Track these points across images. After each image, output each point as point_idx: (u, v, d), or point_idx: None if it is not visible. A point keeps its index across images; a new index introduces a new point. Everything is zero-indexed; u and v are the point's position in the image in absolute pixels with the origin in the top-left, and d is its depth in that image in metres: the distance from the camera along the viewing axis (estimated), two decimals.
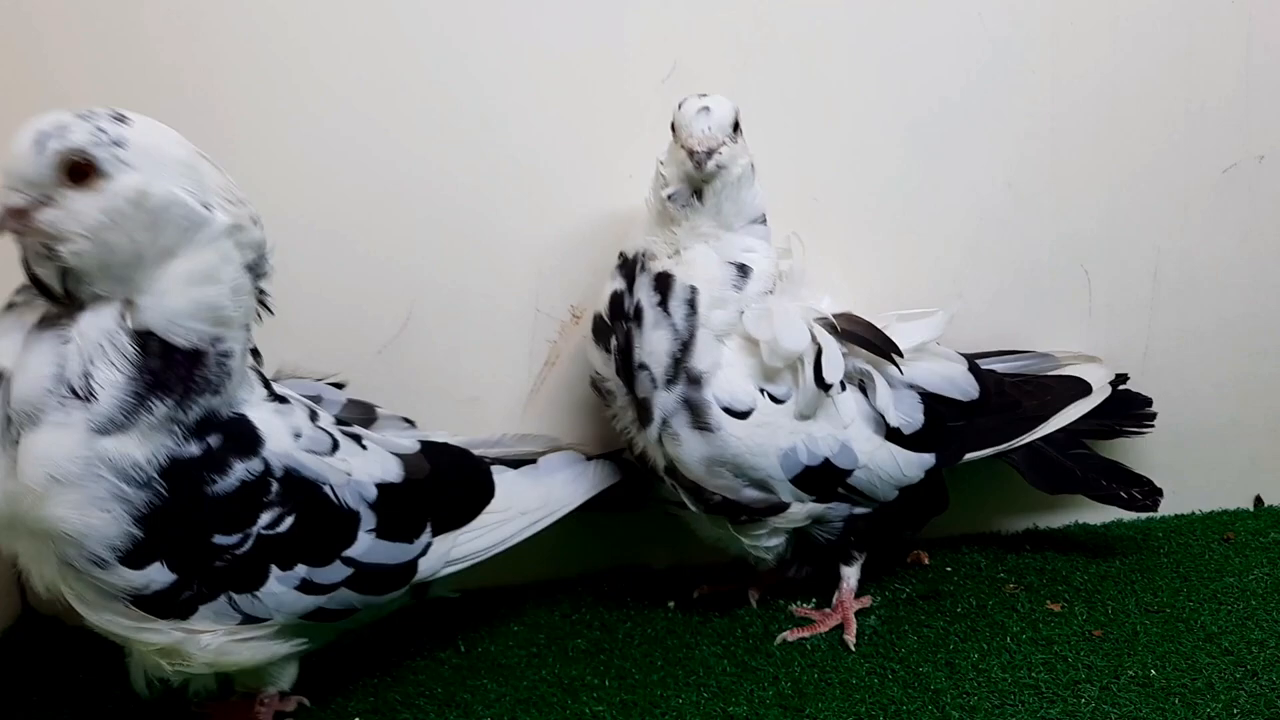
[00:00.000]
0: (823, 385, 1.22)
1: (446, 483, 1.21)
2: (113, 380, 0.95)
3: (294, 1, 1.30)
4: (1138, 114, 1.44)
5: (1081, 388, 1.41)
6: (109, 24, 1.28)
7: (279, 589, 1.06)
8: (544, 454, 1.35)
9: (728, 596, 1.41)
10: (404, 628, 1.35)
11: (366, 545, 1.11)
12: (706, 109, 1.18)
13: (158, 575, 0.99)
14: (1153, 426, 1.45)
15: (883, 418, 1.27)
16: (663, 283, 1.21)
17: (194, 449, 0.99)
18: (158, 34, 1.29)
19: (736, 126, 1.20)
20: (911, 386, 1.30)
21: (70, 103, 0.96)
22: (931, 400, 1.30)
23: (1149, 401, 1.46)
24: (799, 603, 1.39)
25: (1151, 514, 1.47)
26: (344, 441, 1.12)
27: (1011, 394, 1.38)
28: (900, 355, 1.27)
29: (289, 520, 1.05)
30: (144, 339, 0.96)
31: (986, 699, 1.17)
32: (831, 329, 1.25)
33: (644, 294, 1.22)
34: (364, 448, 1.14)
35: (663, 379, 1.21)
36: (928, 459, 1.31)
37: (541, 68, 1.35)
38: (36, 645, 1.36)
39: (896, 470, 1.29)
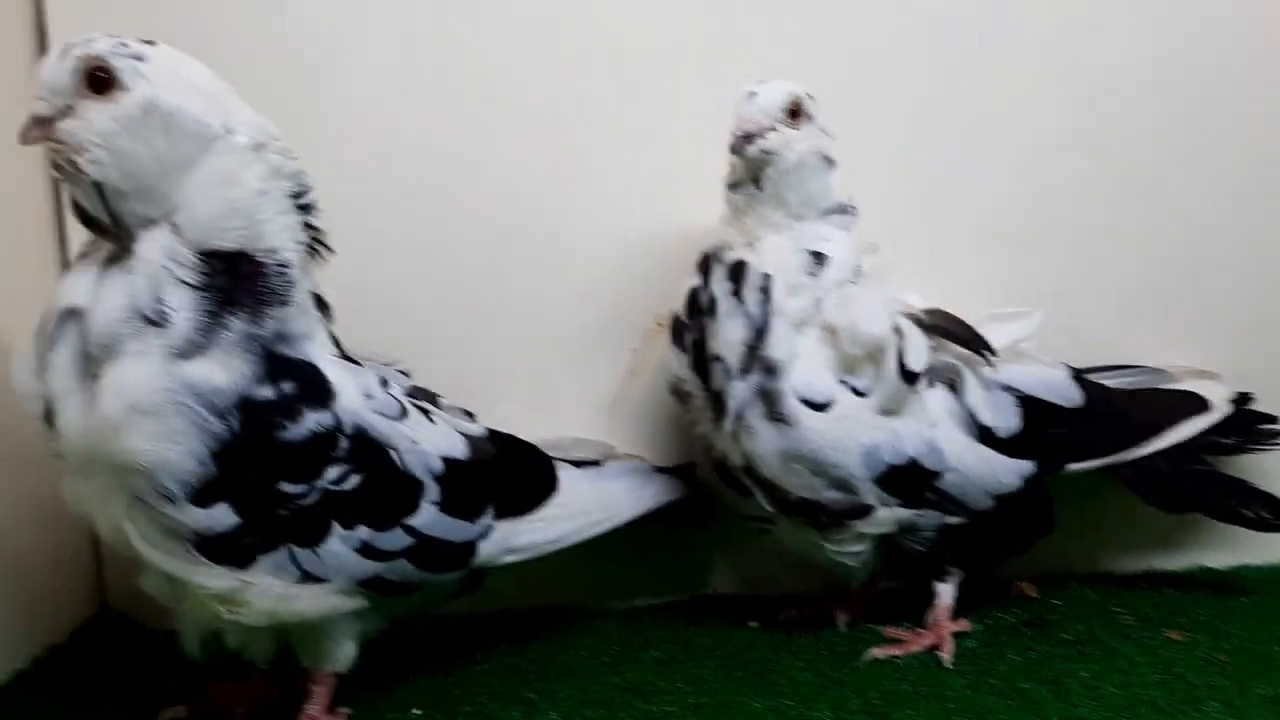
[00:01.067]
0: (906, 377, 1.16)
1: (511, 469, 1.19)
2: (183, 301, 0.95)
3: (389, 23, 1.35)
4: None
5: (1198, 403, 1.31)
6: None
7: (340, 549, 1.04)
8: (605, 460, 1.32)
9: (814, 619, 1.32)
10: (469, 636, 1.31)
11: (429, 517, 1.08)
12: (754, 94, 1.17)
13: (222, 517, 0.97)
14: (1278, 444, 1.34)
15: (974, 417, 1.20)
16: (736, 271, 1.18)
17: (269, 392, 0.99)
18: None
19: (796, 113, 1.17)
20: (1007, 389, 1.23)
21: None
22: (1029, 404, 1.23)
23: (1275, 419, 1.35)
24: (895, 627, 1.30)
25: None
26: (413, 411, 1.11)
27: (1120, 405, 1.30)
28: (992, 352, 1.21)
29: (355, 479, 1.03)
30: (204, 256, 0.97)
31: (1096, 713, 1.07)
32: (918, 322, 1.20)
33: (718, 285, 1.19)
34: (432, 421, 1.13)
35: (737, 369, 1.16)
36: (1026, 466, 1.22)
37: (626, 78, 1.37)
38: (111, 642, 1.34)
39: (991, 475, 1.21)
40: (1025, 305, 1.32)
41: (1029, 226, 1.41)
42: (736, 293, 1.18)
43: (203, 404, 0.95)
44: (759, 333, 1.16)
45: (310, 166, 1.05)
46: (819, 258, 1.19)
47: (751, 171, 1.18)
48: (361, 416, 1.05)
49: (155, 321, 0.95)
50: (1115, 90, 1.39)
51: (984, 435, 1.21)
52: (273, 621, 1.04)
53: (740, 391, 1.16)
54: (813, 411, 1.16)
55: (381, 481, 1.05)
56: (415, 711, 1.15)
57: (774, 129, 1.16)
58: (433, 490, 1.09)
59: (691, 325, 1.22)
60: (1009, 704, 1.09)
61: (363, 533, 1.04)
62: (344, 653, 1.11)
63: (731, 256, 1.19)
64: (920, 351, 1.17)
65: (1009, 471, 1.22)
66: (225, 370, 0.96)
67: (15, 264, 1.25)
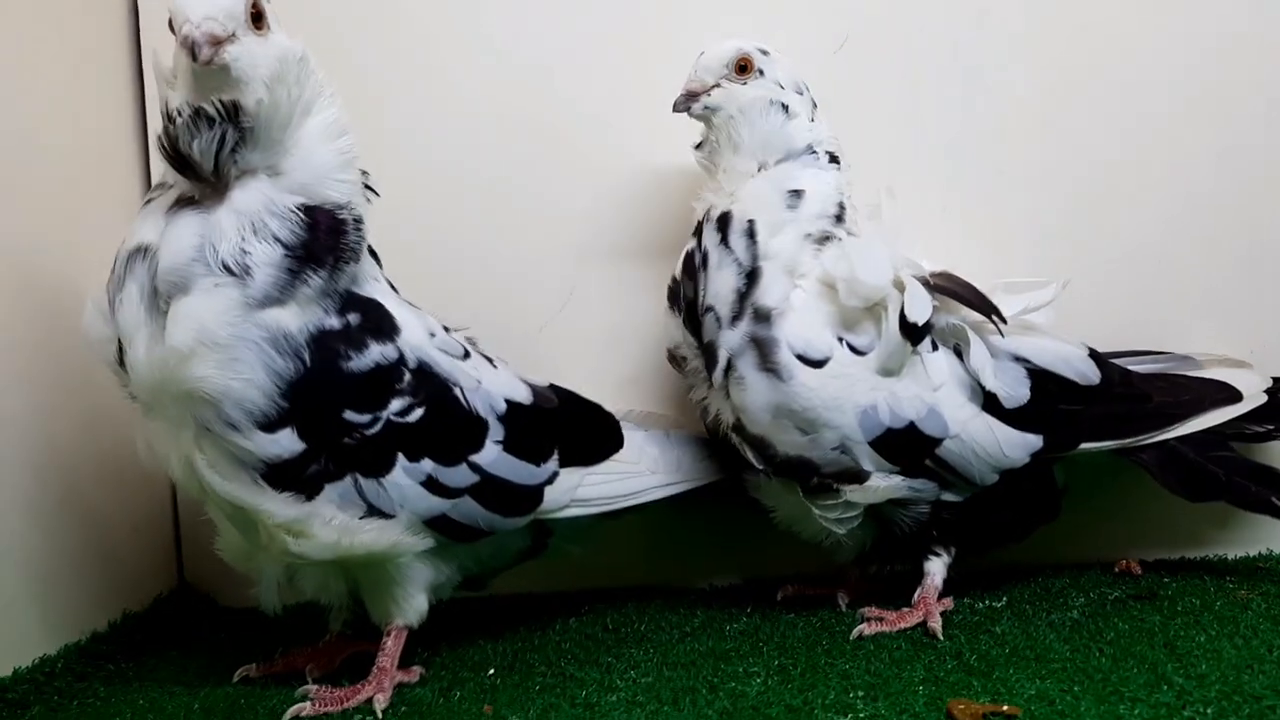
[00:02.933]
0: (907, 332, 1.11)
1: (574, 419, 1.18)
2: (269, 257, 0.96)
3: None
4: None
5: (1227, 393, 1.23)
6: None
7: (405, 481, 1.03)
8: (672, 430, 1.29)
9: (815, 599, 1.27)
10: (547, 609, 1.29)
11: (493, 455, 1.08)
12: (701, 54, 1.19)
13: (288, 443, 0.97)
14: None
15: (979, 384, 1.14)
16: (723, 221, 1.17)
17: (335, 322, 0.99)
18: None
19: (745, 68, 1.17)
20: (1017, 359, 1.17)
21: None
22: (1040, 377, 1.17)
23: None
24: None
25: None
26: (475, 354, 1.11)
27: (1140, 387, 1.22)
28: (1002, 318, 1.15)
29: (419, 411, 1.03)
30: (300, 209, 0.98)
31: (1215, 668, 0.99)
32: (924, 282, 1.14)
33: (709, 239, 1.18)
34: (494, 367, 1.13)
35: (728, 317, 1.14)
36: (1033, 440, 1.16)
37: None
38: (187, 614, 1.34)
39: (995, 447, 1.15)
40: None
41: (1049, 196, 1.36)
42: (724, 241, 1.16)
43: (272, 344, 0.95)
44: (749, 278, 1.14)
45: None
46: (796, 193, 1.17)
47: (706, 128, 1.21)
48: (425, 352, 1.05)
49: (236, 273, 0.95)
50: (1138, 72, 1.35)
51: (990, 404, 1.15)
52: (338, 555, 1.02)
53: (731, 340, 1.14)
54: (807, 367, 1.12)
55: (445, 416, 1.05)
56: (490, 672, 1.11)
57: (718, 85, 1.18)
58: (496, 429, 1.08)
59: (686, 284, 1.20)
60: (1121, 665, 1.02)
61: (427, 466, 1.04)
62: (415, 604, 1.09)
63: (716, 211, 1.18)
64: (923, 305, 1.12)
65: (1014, 444, 1.16)
66: (298, 318, 0.97)
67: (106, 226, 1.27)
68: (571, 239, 1.37)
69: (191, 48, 0.91)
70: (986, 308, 1.14)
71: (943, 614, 1.17)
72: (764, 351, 1.12)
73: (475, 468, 1.06)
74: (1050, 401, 1.16)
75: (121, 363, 0.99)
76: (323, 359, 0.98)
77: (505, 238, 1.37)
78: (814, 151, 1.19)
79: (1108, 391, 1.19)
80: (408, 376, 1.03)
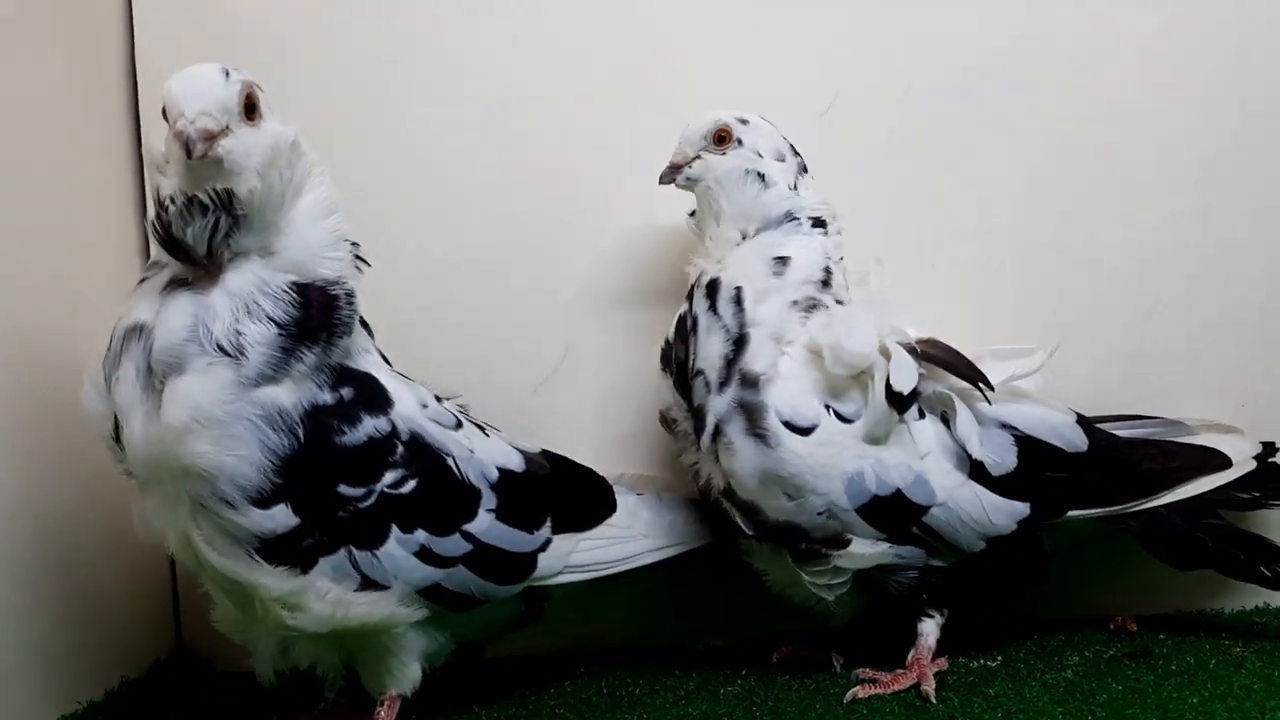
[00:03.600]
0: (894, 401, 1.12)
1: (567, 485, 1.19)
2: (263, 337, 0.97)
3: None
4: None
5: (1217, 459, 1.24)
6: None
7: (398, 552, 1.04)
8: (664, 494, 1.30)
9: (810, 660, 1.26)
10: (540, 673, 1.28)
11: (486, 524, 1.09)
12: (686, 125, 1.22)
13: (282, 518, 0.98)
14: None
15: (965, 451, 1.15)
16: (711, 288, 1.19)
17: (328, 397, 1.01)
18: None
19: (724, 139, 1.20)
20: (1004, 426, 1.18)
21: None
22: (1027, 444, 1.17)
23: None
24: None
25: None
26: (467, 423, 1.13)
27: (1128, 454, 1.23)
28: (989, 385, 1.15)
29: (412, 483, 1.04)
30: (292, 295, 0.99)
31: None
32: (910, 350, 1.15)
33: (699, 304, 1.19)
34: (486, 435, 1.15)
35: (716, 382, 1.15)
36: (1020, 508, 1.17)
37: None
38: (184, 680, 1.34)
39: (982, 514, 1.16)
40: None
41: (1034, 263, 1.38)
42: (713, 307, 1.18)
43: (267, 422, 0.97)
44: (737, 344, 1.16)
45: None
46: (782, 260, 1.19)
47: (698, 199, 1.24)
48: (417, 423, 1.06)
49: (230, 353, 0.96)
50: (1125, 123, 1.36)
51: (976, 472, 1.16)
52: (333, 627, 1.02)
53: (719, 405, 1.15)
54: (795, 435, 1.13)
55: (438, 486, 1.06)
56: None
57: (699, 156, 1.21)
58: (489, 498, 1.09)
59: (678, 346, 1.22)
60: None
61: (421, 536, 1.05)
62: (408, 674, 1.09)
63: (706, 278, 1.20)
64: (908, 373, 1.13)
65: (1001, 512, 1.16)
66: (292, 394, 0.98)
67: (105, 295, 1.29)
68: (568, 299, 1.38)
69: (186, 143, 0.93)
70: (973, 375, 1.15)
71: (937, 674, 1.17)
72: (752, 417, 1.13)
73: (469, 537, 1.08)
74: (1037, 469, 1.17)
75: (118, 438, 1.00)
76: (317, 434, 0.99)
77: (501, 298, 1.38)
78: (794, 218, 1.20)
79: (1095, 459, 1.19)
80: (400, 449, 1.04)
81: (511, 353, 1.38)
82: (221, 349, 0.96)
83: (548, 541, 1.14)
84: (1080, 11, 1.36)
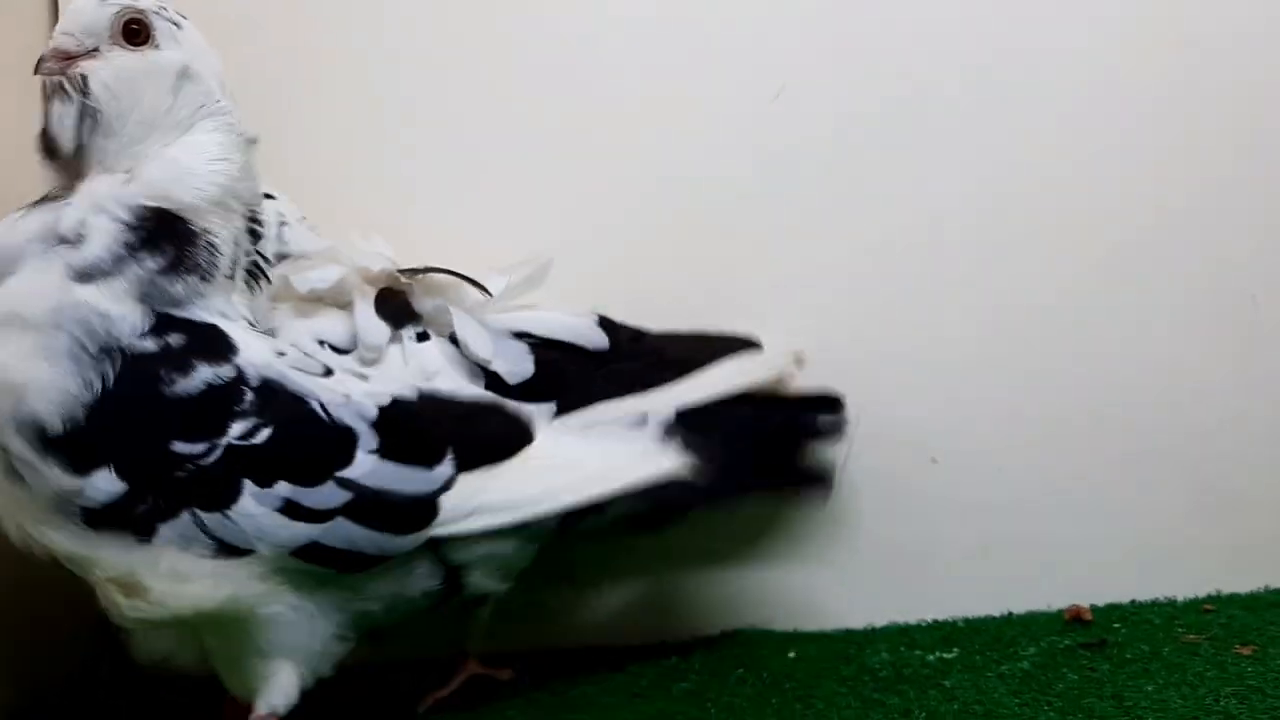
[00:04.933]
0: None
1: (470, 411, 1.08)
2: (106, 228, 0.93)
3: None
4: None
5: (752, 345, 1.25)
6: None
7: (256, 509, 0.93)
8: None
9: None
10: (486, 680, 1.24)
11: (369, 466, 0.97)
12: None
13: (105, 484, 0.90)
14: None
15: (477, 363, 1.12)
16: None
17: (150, 344, 0.92)
18: None
19: None
20: (519, 335, 1.15)
21: None
22: (544, 347, 1.16)
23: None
24: None
25: None
26: (341, 371, 1.03)
27: (656, 344, 1.22)
28: (483, 288, 1.15)
29: (266, 432, 0.94)
30: (146, 208, 0.95)
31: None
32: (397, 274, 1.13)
33: None
34: (366, 379, 1.05)
35: None
36: (547, 407, 1.13)
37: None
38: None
39: None
40: None
41: None
42: None
43: (84, 329, 0.89)
44: None
45: None
46: None
47: None
48: (271, 368, 0.97)
49: (68, 240, 0.92)
50: None
51: (493, 382, 1.12)
52: (174, 613, 0.93)
53: None
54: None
55: (300, 433, 0.96)
56: None
57: None
58: (369, 438, 0.98)
59: None
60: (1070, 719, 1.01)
61: (283, 489, 0.94)
62: (277, 686, 0.97)
63: None
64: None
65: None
66: (118, 304, 0.91)
67: None
68: None
69: (42, 62, 0.95)
70: (462, 279, 1.14)
71: (891, 665, 1.17)
72: None
73: (346, 483, 0.97)
74: (557, 371, 1.15)
75: None
76: (137, 384, 0.91)
77: None
78: None
79: (617, 352, 1.19)
80: (250, 395, 0.94)
81: None
82: (63, 239, 0.92)
83: (450, 479, 1.01)
84: None
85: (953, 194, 1.33)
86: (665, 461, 1.10)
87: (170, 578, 0.92)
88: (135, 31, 0.97)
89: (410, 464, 1.00)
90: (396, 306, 1.13)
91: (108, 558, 0.91)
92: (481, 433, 1.06)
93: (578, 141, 1.34)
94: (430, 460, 1.01)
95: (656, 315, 1.25)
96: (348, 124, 1.36)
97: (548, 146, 1.35)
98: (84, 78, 0.95)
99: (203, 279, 0.96)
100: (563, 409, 1.14)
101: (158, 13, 0.98)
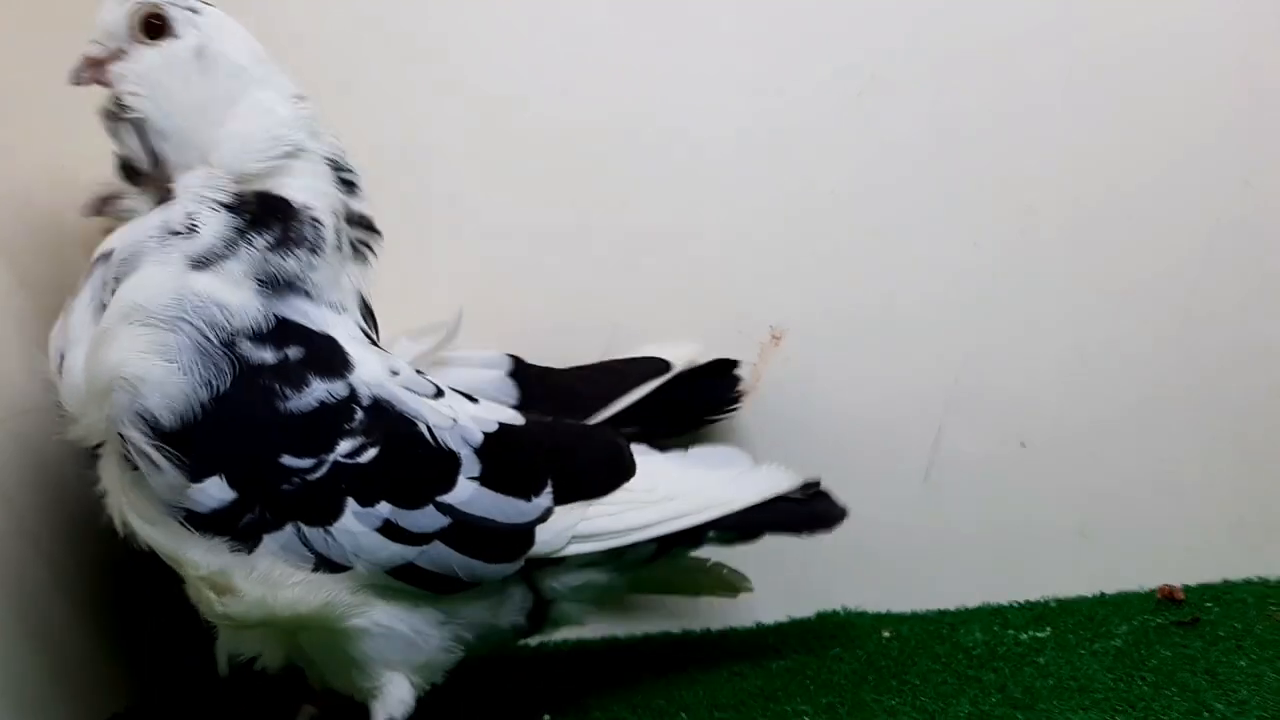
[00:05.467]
0: None
1: (572, 442, 1.10)
2: (213, 216, 0.94)
3: None
4: None
5: (657, 365, 1.23)
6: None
7: (357, 528, 0.94)
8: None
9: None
10: (590, 660, 1.30)
11: (469, 493, 0.98)
12: None
13: (216, 491, 0.90)
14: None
15: None
16: None
17: (268, 355, 0.92)
18: None
19: None
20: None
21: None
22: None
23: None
24: None
25: None
26: (451, 394, 1.03)
27: (563, 381, 1.20)
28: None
29: (372, 452, 0.94)
30: (240, 191, 0.97)
31: (1256, 694, 1.01)
32: None
33: None
34: (475, 401, 1.05)
35: None
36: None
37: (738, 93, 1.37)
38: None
39: None
40: None
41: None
42: None
43: (205, 320, 0.90)
44: None
45: None
46: None
47: None
48: (383, 388, 0.97)
49: (180, 231, 0.93)
50: None
51: None
52: (266, 615, 0.94)
53: None
54: None
55: (406, 455, 0.97)
56: (545, 717, 1.15)
57: None
58: (471, 464, 0.99)
59: None
60: (1164, 694, 1.04)
61: (384, 510, 0.95)
62: (396, 694, 0.98)
63: None
64: None
65: None
66: (235, 291, 0.92)
67: None
68: None
69: (75, 71, 0.98)
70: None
71: (985, 644, 1.20)
72: None
73: (445, 509, 0.97)
74: None
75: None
76: (254, 395, 0.91)
77: None
78: None
79: (528, 396, 1.16)
80: (360, 414, 0.95)
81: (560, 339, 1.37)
82: (175, 231, 0.94)
83: (548, 511, 1.02)
84: None
85: (1047, 183, 1.35)
86: (763, 483, 1.15)
87: (263, 583, 0.93)
88: (155, 26, 0.98)
89: (510, 494, 1.00)
90: None
91: (204, 558, 0.92)
92: (581, 466, 1.08)
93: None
94: (529, 492, 1.02)
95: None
96: None
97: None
98: (120, 102, 0.97)
99: (313, 251, 0.97)
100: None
101: (172, 3, 0.99)
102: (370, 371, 0.97)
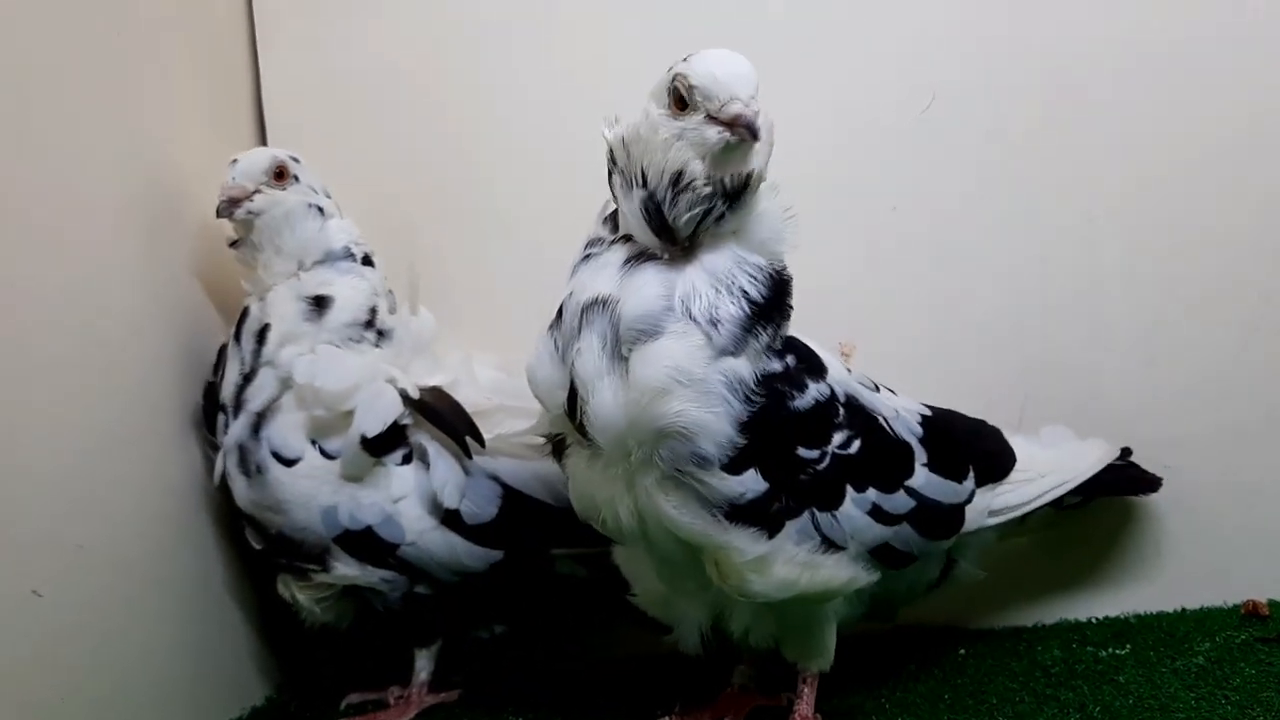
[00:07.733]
0: (366, 445, 1.20)
1: (973, 431, 1.23)
2: (734, 315, 1.00)
3: None
4: None
5: None
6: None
7: (854, 512, 1.06)
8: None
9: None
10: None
11: (924, 478, 1.11)
12: (235, 161, 1.27)
13: (752, 483, 1.01)
14: None
15: (437, 501, 1.22)
16: (241, 319, 1.27)
17: (777, 365, 1.03)
18: None
19: (281, 174, 1.27)
20: (494, 478, 1.24)
21: None
22: (512, 496, 1.24)
23: None
24: None
25: None
26: (881, 388, 1.16)
27: None
28: (479, 440, 1.22)
29: (857, 443, 1.06)
30: (762, 268, 1.03)
31: None
32: (406, 398, 1.22)
33: (233, 333, 1.28)
34: (894, 393, 1.18)
35: (231, 413, 1.24)
36: (493, 555, 1.24)
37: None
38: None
39: (453, 556, 1.23)
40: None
41: None
42: (237, 337, 1.26)
43: (730, 389, 0.99)
44: (246, 379, 1.24)
45: None
46: (320, 301, 1.26)
47: (244, 231, 1.28)
48: (850, 386, 1.10)
49: (701, 324, 0.99)
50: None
51: (449, 519, 1.22)
52: (793, 592, 1.04)
53: (229, 439, 1.23)
54: (281, 465, 1.21)
55: (878, 445, 1.09)
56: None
57: (259, 191, 1.25)
58: (920, 452, 1.12)
59: (214, 375, 1.29)
60: (1248, 713, 1.02)
61: (872, 495, 1.07)
62: (829, 646, 1.12)
63: (246, 306, 1.28)
64: (372, 419, 1.21)
65: (475, 556, 1.24)
66: (748, 367, 1.01)
67: None
68: None
69: (747, 125, 0.97)
70: (458, 430, 1.22)
71: (1063, 661, 1.19)
72: (245, 451, 1.22)
73: (911, 492, 1.10)
74: (519, 519, 1.24)
75: (571, 412, 1.05)
76: (772, 399, 1.02)
77: None
78: (351, 254, 1.29)
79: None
80: (841, 411, 1.07)
81: None
82: (695, 320, 1.00)
83: (972, 494, 1.16)
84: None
85: (1110, 196, 1.34)
86: (1096, 452, 1.28)
87: (797, 564, 1.04)
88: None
89: (948, 478, 1.13)
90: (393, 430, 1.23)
91: (742, 545, 1.02)
92: (987, 453, 1.21)
93: None
94: (960, 476, 1.15)
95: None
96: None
97: None
98: (747, 177, 1.00)
99: (789, 319, 1.05)
100: (510, 560, 1.24)
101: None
102: (837, 370, 1.10)
